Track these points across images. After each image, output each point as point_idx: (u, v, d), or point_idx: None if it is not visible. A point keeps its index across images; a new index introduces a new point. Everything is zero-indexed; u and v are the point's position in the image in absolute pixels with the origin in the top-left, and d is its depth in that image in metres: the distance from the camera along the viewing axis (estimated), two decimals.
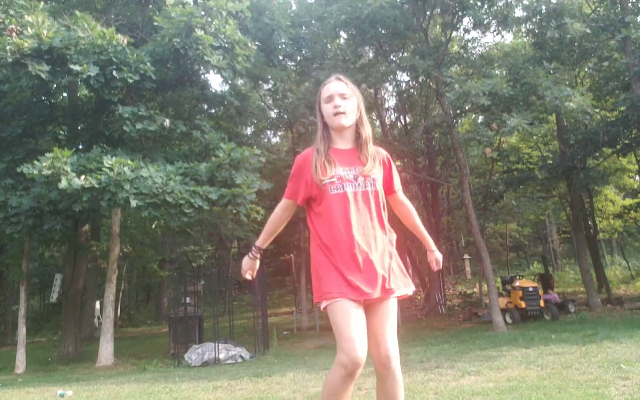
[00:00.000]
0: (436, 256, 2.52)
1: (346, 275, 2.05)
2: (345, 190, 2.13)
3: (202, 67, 10.52)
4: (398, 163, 19.21)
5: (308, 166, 2.20)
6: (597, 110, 12.27)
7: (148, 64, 9.35)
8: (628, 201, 21.34)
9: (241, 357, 9.01)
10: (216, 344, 9.11)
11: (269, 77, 14.18)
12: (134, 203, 8.38)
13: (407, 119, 18.35)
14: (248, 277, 2.40)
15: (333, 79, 2.27)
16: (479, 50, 16.51)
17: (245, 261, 2.40)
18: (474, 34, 15.76)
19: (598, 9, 13.32)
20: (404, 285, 2.18)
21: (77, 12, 9.78)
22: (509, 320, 11.55)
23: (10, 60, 8.61)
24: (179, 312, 10.73)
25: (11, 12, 9.55)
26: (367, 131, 2.25)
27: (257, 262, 2.43)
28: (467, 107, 11.99)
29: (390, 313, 2.12)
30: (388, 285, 2.09)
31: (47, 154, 8.28)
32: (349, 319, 2.00)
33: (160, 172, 8.86)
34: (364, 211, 2.14)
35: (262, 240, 2.39)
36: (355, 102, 2.24)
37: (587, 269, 14.11)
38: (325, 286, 2.07)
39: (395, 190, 2.36)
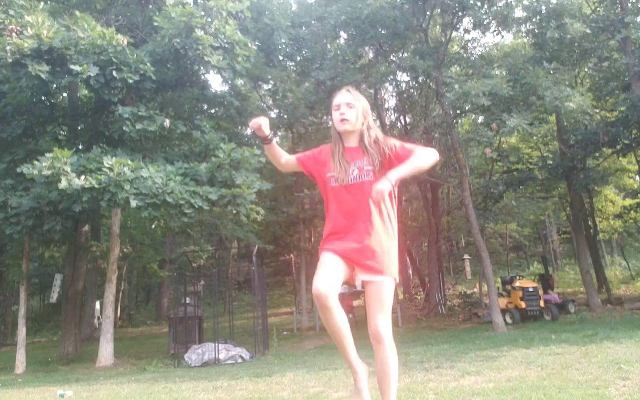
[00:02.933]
0: (379, 185, 2.32)
1: (334, 240, 2.46)
2: (344, 184, 2.47)
3: (202, 68, 10.52)
4: None
5: (328, 156, 2.58)
6: (597, 111, 12.29)
7: (148, 64, 9.35)
8: (628, 201, 21.34)
9: (241, 357, 9.01)
10: (216, 344, 9.11)
11: (269, 77, 14.18)
12: (134, 203, 8.38)
13: (407, 119, 18.36)
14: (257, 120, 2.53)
15: (343, 90, 2.63)
16: (479, 50, 16.53)
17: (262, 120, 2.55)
18: (474, 34, 15.74)
19: (598, 9, 13.32)
20: (384, 270, 2.44)
21: (77, 13, 9.77)
22: (509, 320, 11.55)
23: (10, 60, 8.61)
24: (179, 312, 10.73)
25: (11, 12, 9.55)
26: (372, 134, 2.55)
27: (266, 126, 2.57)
28: (467, 108, 12.00)
29: (378, 295, 2.44)
30: (369, 261, 2.41)
31: (47, 154, 8.28)
32: (321, 264, 2.40)
33: (160, 172, 8.85)
34: (361, 201, 2.44)
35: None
36: (361, 111, 2.55)
37: (587, 269, 14.11)
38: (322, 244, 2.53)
39: (403, 154, 2.49)
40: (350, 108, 2.52)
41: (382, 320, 2.43)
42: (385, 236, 2.47)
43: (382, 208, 2.46)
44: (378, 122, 19.29)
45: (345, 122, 2.51)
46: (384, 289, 2.44)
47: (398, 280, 2.57)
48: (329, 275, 2.35)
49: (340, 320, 2.39)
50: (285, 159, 2.73)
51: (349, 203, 2.46)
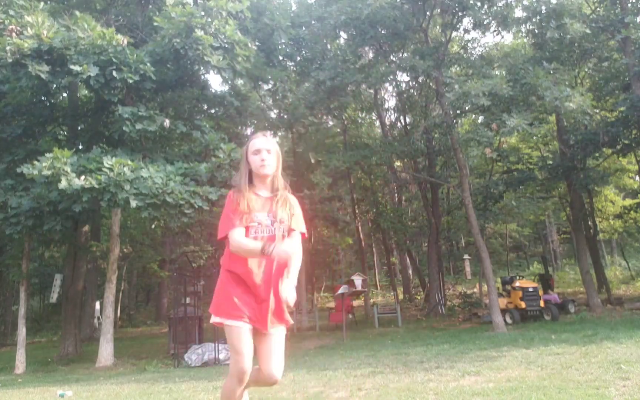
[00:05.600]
0: (285, 295, 2.53)
1: (240, 304, 2.52)
2: (262, 235, 2.56)
3: (202, 68, 10.51)
4: (398, 163, 19.27)
5: (242, 204, 2.61)
6: (597, 111, 12.26)
7: (148, 64, 9.35)
8: (628, 201, 21.33)
9: None
10: (216, 344, 9.11)
11: (269, 77, 14.17)
12: (133, 203, 8.38)
13: (407, 119, 18.36)
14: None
15: (259, 135, 2.74)
16: (478, 50, 16.54)
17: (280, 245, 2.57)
18: (473, 34, 15.78)
19: (598, 9, 13.32)
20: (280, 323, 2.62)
21: (77, 13, 9.76)
22: (509, 320, 11.55)
23: (10, 60, 8.60)
24: (179, 312, 10.73)
25: (11, 12, 9.54)
26: (281, 183, 2.71)
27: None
28: (467, 108, 11.99)
29: (279, 343, 2.63)
30: (271, 323, 2.56)
31: (47, 155, 8.28)
32: (240, 339, 2.51)
33: (160, 172, 8.85)
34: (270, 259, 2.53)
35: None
36: (276, 157, 2.70)
37: (587, 270, 14.11)
38: (217, 306, 2.60)
39: (293, 228, 2.66)
40: (269, 154, 2.64)
41: (277, 366, 2.62)
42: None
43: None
44: (378, 122, 19.28)
45: (267, 167, 2.63)
46: (278, 335, 2.64)
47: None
48: (250, 354, 2.53)
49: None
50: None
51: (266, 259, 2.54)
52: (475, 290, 19.14)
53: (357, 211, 18.98)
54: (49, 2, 11.27)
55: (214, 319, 2.58)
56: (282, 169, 2.76)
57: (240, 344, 2.49)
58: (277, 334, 2.61)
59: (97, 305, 18.85)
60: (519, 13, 11.67)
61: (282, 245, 2.49)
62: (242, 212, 2.55)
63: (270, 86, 15.79)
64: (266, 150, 2.64)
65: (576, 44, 12.21)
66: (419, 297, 21.07)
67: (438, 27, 14.84)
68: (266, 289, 2.54)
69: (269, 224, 2.58)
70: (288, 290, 2.49)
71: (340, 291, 13.79)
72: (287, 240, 2.58)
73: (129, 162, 8.52)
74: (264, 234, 2.56)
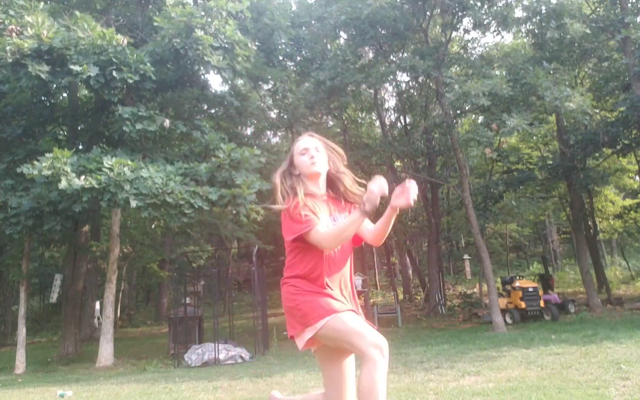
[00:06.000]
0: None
1: (332, 295, 2.23)
2: None
3: (202, 68, 10.52)
4: (398, 163, 19.26)
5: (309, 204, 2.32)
6: (597, 111, 12.26)
7: (148, 64, 9.35)
8: (628, 202, 21.32)
9: (241, 357, 9.01)
10: (216, 345, 9.11)
11: (269, 77, 14.18)
12: (133, 203, 8.38)
13: (407, 119, 18.35)
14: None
15: (306, 135, 2.52)
16: (478, 50, 16.54)
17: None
18: (473, 34, 15.75)
19: (598, 9, 13.32)
20: None
21: (77, 13, 9.77)
22: (509, 320, 11.55)
23: (10, 60, 8.61)
24: (178, 312, 10.73)
25: (11, 12, 9.55)
26: (346, 181, 2.42)
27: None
28: (467, 108, 12.01)
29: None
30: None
31: (47, 155, 8.28)
32: (355, 320, 2.18)
33: (160, 172, 8.85)
34: (343, 255, 2.33)
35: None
36: (326, 154, 2.44)
37: (587, 270, 14.11)
38: (314, 311, 2.19)
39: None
40: (318, 151, 2.41)
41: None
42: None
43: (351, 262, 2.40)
44: (378, 122, 19.28)
45: (317, 165, 2.37)
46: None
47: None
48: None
49: None
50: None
51: (337, 261, 2.31)
52: (475, 290, 19.13)
53: None
54: (49, 2, 11.28)
55: (309, 332, 2.18)
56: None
57: (355, 323, 2.16)
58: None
59: (97, 305, 18.85)
60: (519, 13, 11.69)
61: (370, 194, 2.10)
62: (311, 210, 2.26)
63: (270, 86, 15.79)
64: (314, 149, 2.40)
65: (576, 44, 12.20)
66: (419, 297, 21.06)
67: (438, 27, 14.84)
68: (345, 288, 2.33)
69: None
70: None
71: None
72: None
73: (129, 162, 8.52)
74: None
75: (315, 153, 2.39)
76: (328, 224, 2.27)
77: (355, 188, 2.41)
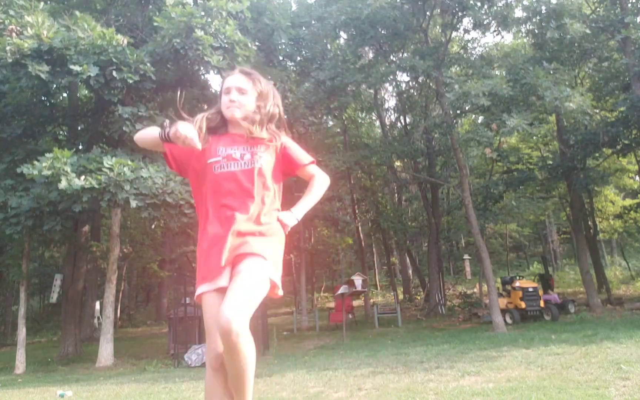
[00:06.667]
0: (284, 217, 2.18)
1: (206, 263, 2.05)
2: (230, 170, 2.13)
3: (202, 68, 10.52)
4: (398, 163, 19.27)
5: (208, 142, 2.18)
6: (597, 111, 12.27)
7: (148, 64, 9.35)
8: (628, 202, 21.33)
9: None
10: None
11: (269, 77, 14.17)
12: (133, 203, 8.38)
13: (407, 120, 18.36)
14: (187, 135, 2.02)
15: (236, 71, 2.29)
16: (478, 50, 16.54)
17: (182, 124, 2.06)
18: (473, 34, 15.78)
19: (598, 9, 13.32)
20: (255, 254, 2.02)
21: (77, 13, 9.77)
22: (509, 320, 11.55)
23: (10, 60, 8.61)
24: (178, 312, 10.73)
25: (11, 12, 9.55)
26: (263, 122, 2.22)
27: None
28: (467, 108, 12.00)
29: (239, 279, 1.96)
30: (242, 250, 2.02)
31: (47, 155, 8.28)
32: (209, 313, 2.01)
33: (160, 172, 8.86)
34: (242, 192, 2.12)
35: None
36: (253, 98, 2.23)
37: (587, 270, 14.11)
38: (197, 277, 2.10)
39: (299, 164, 2.31)
40: (242, 94, 2.20)
41: (235, 311, 1.86)
42: (264, 227, 2.12)
43: (263, 196, 2.14)
44: (378, 122, 19.27)
45: (234, 109, 2.19)
46: (249, 269, 2.00)
47: (279, 288, 2.12)
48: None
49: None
50: (150, 139, 2.23)
51: (231, 191, 2.10)
52: (475, 290, 19.14)
53: (357, 211, 18.98)
54: (49, 2, 11.28)
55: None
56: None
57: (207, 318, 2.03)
58: (243, 269, 1.98)
59: (97, 305, 18.85)
60: (519, 13, 11.69)
61: (183, 126, 1.99)
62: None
63: None
64: (237, 89, 2.20)
65: (576, 44, 12.21)
66: (419, 297, 21.07)
67: (438, 27, 14.84)
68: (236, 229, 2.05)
69: (237, 158, 2.13)
70: (285, 215, 2.16)
71: (340, 291, 13.79)
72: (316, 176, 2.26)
73: (129, 162, 8.52)
74: (231, 168, 2.12)
75: (236, 96, 2.19)
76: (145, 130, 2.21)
77: (257, 131, 2.19)
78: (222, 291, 1.98)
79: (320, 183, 2.35)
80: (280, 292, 2.15)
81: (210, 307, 2.02)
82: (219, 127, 2.26)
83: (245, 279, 1.94)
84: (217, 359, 2.03)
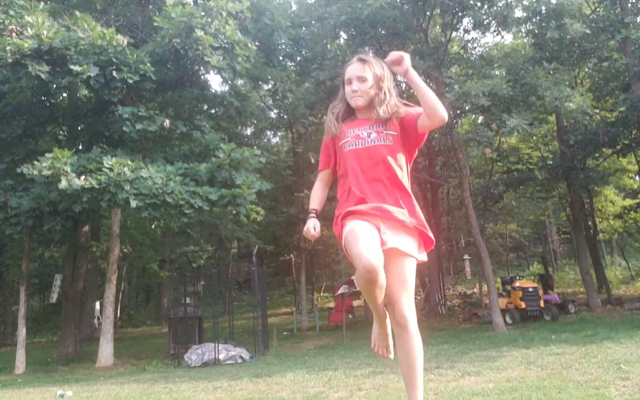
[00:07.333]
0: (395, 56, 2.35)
1: (355, 207, 2.29)
2: (357, 147, 2.39)
3: (202, 68, 10.52)
4: None
5: (332, 127, 2.50)
6: (597, 111, 12.27)
7: (148, 64, 9.35)
8: (628, 202, 21.33)
9: (241, 357, 9.01)
10: (216, 345, 9.11)
11: (269, 77, 14.19)
12: (133, 204, 8.38)
13: None
14: (313, 233, 2.47)
15: (355, 60, 2.50)
16: (478, 50, 16.53)
17: (311, 221, 2.48)
18: (473, 34, 15.75)
19: (598, 9, 13.32)
20: (411, 247, 2.29)
21: (77, 13, 9.77)
22: (509, 320, 11.55)
23: (10, 60, 8.61)
24: (178, 312, 10.73)
25: (11, 12, 9.55)
26: (382, 111, 2.39)
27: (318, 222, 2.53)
28: (467, 108, 12.00)
29: (405, 275, 2.25)
30: (395, 218, 2.25)
31: (47, 155, 8.28)
32: (357, 238, 2.15)
33: (160, 172, 8.86)
34: (376, 166, 2.36)
35: (315, 205, 2.59)
36: (373, 81, 2.43)
37: (587, 270, 14.11)
38: (340, 222, 2.32)
39: (417, 114, 2.39)
40: (363, 82, 2.42)
41: (408, 304, 2.23)
42: (402, 204, 2.34)
43: (396, 174, 2.37)
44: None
45: (357, 98, 2.43)
46: (409, 265, 2.28)
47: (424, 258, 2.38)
48: (373, 246, 2.11)
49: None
50: (323, 187, 2.68)
51: (369, 167, 2.36)
52: (475, 290, 19.14)
53: None
54: (49, 2, 11.28)
55: (342, 242, 2.29)
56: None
57: (354, 234, 2.22)
58: (407, 262, 2.30)
59: (97, 305, 18.87)
60: (519, 13, 11.69)
61: (311, 222, 2.43)
62: (329, 143, 2.53)
63: (270, 86, 15.79)
64: (357, 79, 2.43)
65: (576, 44, 12.21)
66: (419, 297, 21.07)
67: (438, 27, 14.84)
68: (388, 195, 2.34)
69: (365, 136, 2.39)
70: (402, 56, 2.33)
71: (340, 291, 13.79)
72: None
73: (129, 162, 8.52)
74: (358, 146, 2.39)
75: (357, 85, 2.42)
76: (323, 177, 2.60)
77: (384, 111, 2.39)
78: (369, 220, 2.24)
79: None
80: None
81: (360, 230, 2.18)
82: (347, 115, 2.51)
83: (407, 276, 2.26)
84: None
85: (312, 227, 2.47)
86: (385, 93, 2.42)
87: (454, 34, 13.81)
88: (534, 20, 11.30)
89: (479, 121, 14.98)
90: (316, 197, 2.59)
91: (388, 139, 2.37)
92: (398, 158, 2.39)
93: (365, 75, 2.42)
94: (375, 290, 2.13)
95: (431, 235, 2.36)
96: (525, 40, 15.31)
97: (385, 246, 2.20)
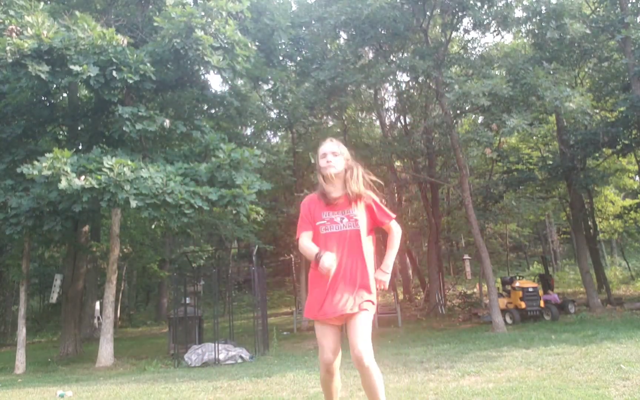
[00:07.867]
0: (380, 277, 2.88)
1: (319, 301, 2.83)
2: (332, 231, 2.84)
3: (202, 68, 10.51)
4: (398, 163, 19.25)
5: (311, 208, 2.94)
6: (597, 111, 12.27)
7: (148, 64, 9.35)
8: (628, 202, 21.32)
9: (241, 357, 9.01)
10: (216, 345, 9.11)
11: (269, 77, 14.18)
12: (133, 204, 8.38)
13: (407, 120, 18.35)
14: (331, 261, 2.75)
15: (327, 140, 3.02)
16: (478, 50, 16.51)
17: (325, 255, 2.76)
18: (473, 34, 15.75)
19: (598, 9, 13.32)
20: (362, 303, 2.79)
21: (77, 13, 9.77)
22: (509, 320, 11.55)
23: (10, 60, 8.61)
24: (178, 312, 10.73)
25: (11, 12, 9.55)
26: (354, 186, 2.87)
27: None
28: (467, 108, 11.99)
29: (359, 326, 2.75)
30: (351, 308, 2.76)
31: (47, 155, 8.28)
32: (321, 334, 2.87)
33: (160, 172, 8.85)
34: (347, 247, 2.82)
35: (316, 248, 2.87)
36: (343, 159, 2.93)
37: (587, 270, 14.11)
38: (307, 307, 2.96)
39: (383, 222, 2.95)
40: (335, 156, 2.89)
41: (361, 345, 2.68)
42: (363, 277, 2.82)
43: (362, 250, 2.83)
44: (378, 122, 19.28)
45: (331, 168, 2.86)
46: (364, 316, 2.77)
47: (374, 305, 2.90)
48: (334, 345, 2.86)
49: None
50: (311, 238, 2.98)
51: (341, 247, 2.81)
52: (475, 290, 19.14)
53: None
54: (49, 2, 11.28)
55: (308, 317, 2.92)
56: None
57: (321, 337, 2.86)
58: (359, 316, 2.76)
59: (97, 305, 18.86)
60: (519, 13, 11.68)
61: (329, 258, 2.70)
62: (308, 216, 2.92)
63: (270, 86, 15.78)
64: (331, 153, 2.90)
65: (576, 44, 12.21)
66: (419, 297, 21.07)
67: (438, 27, 14.84)
68: (340, 279, 2.79)
69: (337, 221, 2.85)
70: (380, 274, 2.86)
71: None
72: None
73: (129, 162, 8.52)
74: (333, 230, 2.84)
75: (331, 157, 2.89)
76: (309, 235, 2.90)
77: (355, 186, 2.87)
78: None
79: (397, 238, 2.98)
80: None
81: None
82: (322, 197, 2.93)
83: (362, 326, 2.76)
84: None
85: (330, 257, 2.75)
86: (354, 170, 2.91)
87: (454, 34, 13.81)
88: (534, 20, 11.30)
89: (479, 121, 14.99)
90: (312, 245, 2.89)
91: (357, 225, 2.83)
92: (363, 239, 2.85)
93: (337, 151, 2.93)
94: (331, 381, 2.94)
95: (374, 300, 2.86)
96: (525, 40, 15.31)
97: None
